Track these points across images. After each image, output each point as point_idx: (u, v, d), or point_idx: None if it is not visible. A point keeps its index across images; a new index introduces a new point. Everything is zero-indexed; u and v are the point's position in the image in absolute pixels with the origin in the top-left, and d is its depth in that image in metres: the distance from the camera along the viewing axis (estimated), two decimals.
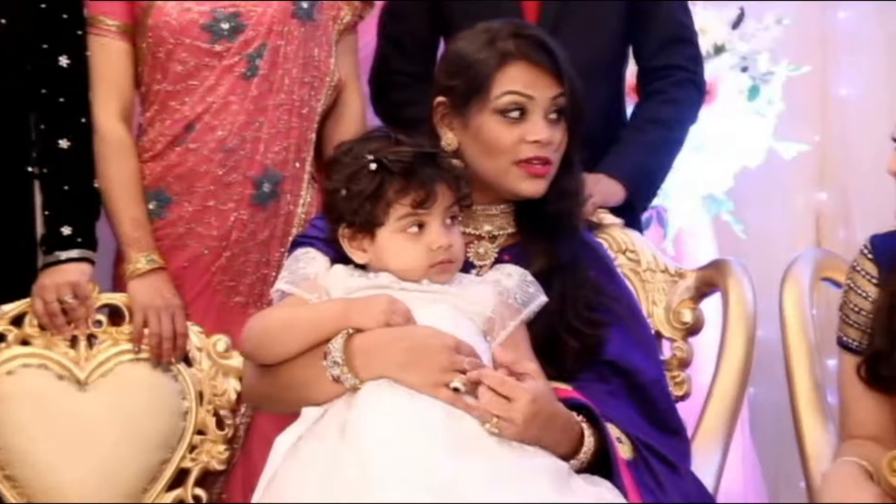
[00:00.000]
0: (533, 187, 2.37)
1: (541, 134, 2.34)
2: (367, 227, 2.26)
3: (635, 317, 2.51)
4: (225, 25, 2.78)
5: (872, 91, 4.28)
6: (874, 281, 2.43)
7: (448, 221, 2.28)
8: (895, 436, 2.39)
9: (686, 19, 3.13)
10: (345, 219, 2.28)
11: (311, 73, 2.86)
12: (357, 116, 2.97)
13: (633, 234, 2.85)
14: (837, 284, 2.63)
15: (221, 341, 2.82)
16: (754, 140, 3.81)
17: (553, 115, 2.36)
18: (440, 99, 2.42)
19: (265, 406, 2.47)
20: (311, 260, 2.32)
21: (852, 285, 2.46)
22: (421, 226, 2.25)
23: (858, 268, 2.46)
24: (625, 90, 3.26)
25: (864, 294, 2.44)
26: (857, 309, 2.45)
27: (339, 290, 2.27)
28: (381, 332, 2.19)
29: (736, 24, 3.80)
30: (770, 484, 3.96)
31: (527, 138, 2.34)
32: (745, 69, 3.78)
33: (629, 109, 3.24)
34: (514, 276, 2.34)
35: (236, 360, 2.79)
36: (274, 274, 2.79)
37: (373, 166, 2.24)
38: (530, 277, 2.34)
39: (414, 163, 2.25)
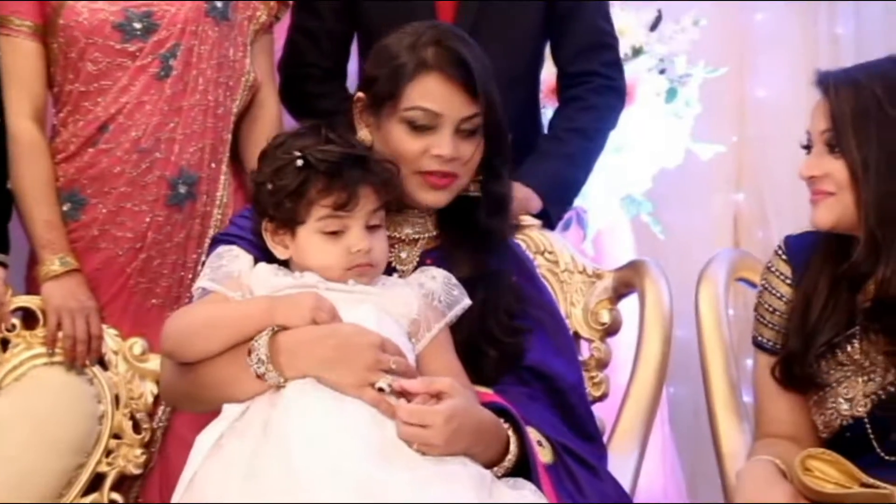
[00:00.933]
0: (432, 198, 2.37)
1: (445, 150, 2.32)
2: (289, 223, 2.25)
3: (556, 322, 2.52)
4: (137, 25, 2.75)
5: (789, 92, 4.32)
6: (788, 282, 2.46)
7: (372, 224, 2.26)
8: (809, 435, 2.41)
9: (607, 25, 3.14)
10: (268, 213, 2.27)
11: (226, 73, 2.84)
12: (273, 117, 2.95)
13: (552, 235, 2.86)
14: (753, 284, 2.65)
15: (138, 344, 2.80)
16: (672, 141, 3.84)
17: (465, 131, 2.34)
18: (360, 94, 2.40)
19: (185, 405, 2.45)
20: (234, 258, 2.30)
21: (767, 286, 2.49)
22: (342, 228, 2.24)
23: (773, 268, 2.49)
24: (540, 94, 3.26)
25: (779, 295, 2.46)
26: (771, 309, 2.47)
27: (263, 288, 2.26)
28: (306, 329, 2.18)
29: (653, 26, 3.82)
30: (689, 482, 3.99)
31: (431, 151, 2.33)
32: (662, 71, 3.81)
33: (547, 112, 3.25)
34: (438, 279, 2.33)
35: (153, 364, 2.76)
36: (191, 276, 2.77)
37: (299, 163, 2.22)
38: (454, 280, 2.34)
39: (340, 164, 2.23)
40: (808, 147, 2.39)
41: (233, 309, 2.24)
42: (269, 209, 2.26)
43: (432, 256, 2.43)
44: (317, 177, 2.22)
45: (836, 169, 2.31)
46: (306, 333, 2.17)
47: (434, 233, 2.45)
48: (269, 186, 2.25)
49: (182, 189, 2.80)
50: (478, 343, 2.35)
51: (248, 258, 2.31)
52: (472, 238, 2.41)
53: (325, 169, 2.23)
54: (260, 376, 2.16)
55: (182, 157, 2.79)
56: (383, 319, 2.24)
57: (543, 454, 2.27)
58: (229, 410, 2.17)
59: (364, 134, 2.38)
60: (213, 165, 2.83)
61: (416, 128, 2.33)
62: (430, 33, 2.37)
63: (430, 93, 2.33)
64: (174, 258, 2.81)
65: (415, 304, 2.29)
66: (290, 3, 3.02)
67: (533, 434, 2.27)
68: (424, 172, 2.34)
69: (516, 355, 2.38)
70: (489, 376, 2.35)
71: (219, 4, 2.82)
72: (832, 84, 2.32)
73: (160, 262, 2.80)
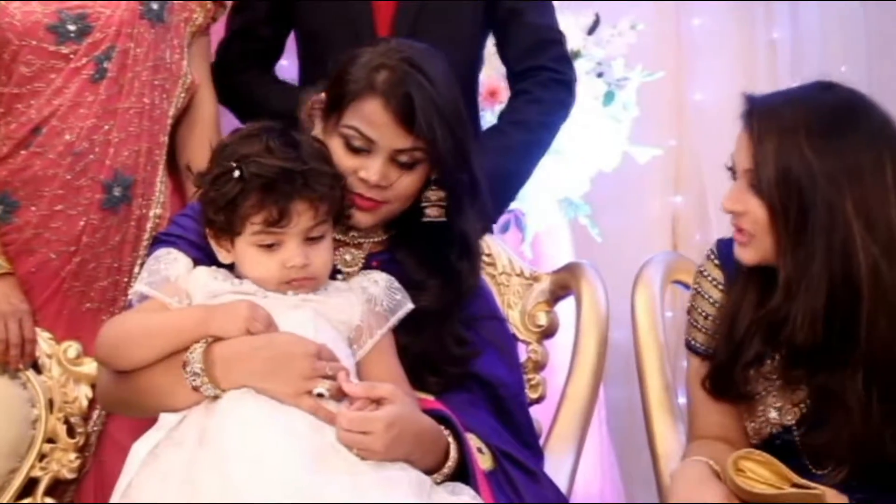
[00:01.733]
0: (357, 217, 2.35)
1: (371, 176, 2.31)
2: (227, 232, 2.24)
3: (501, 328, 2.52)
4: (71, 27, 2.72)
5: (727, 96, 4.31)
6: (720, 287, 2.46)
7: (313, 237, 2.23)
8: (741, 437, 2.42)
9: (552, 21, 3.13)
10: (209, 218, 2.25)
11: (162, 76, 2.82)
12: (210, 119, 2.93)
13: (489, 238, 2.86)
14: (688, 287, 2.64)
15: (72, 348, 2.77)
16: (610, 145, 3.85)
17: (401, 162, 2.32)
18: (321, 96, 2.39)
19: (121, 411, 2.43)
20: (172, 261, 2.28)
21: (699, 290, 2.49)
22: (276, 242, 2.21)
23: (705, 272, 2.49)
24: (478, 95, 3.25)
25: (711, 300, 2.47)
26: (704, 314, 2.47)
27: (201, 294, 2.24)
28: (241, 340, 2.16)
29: (591, 29, 3.84)
30: (627, 484, 4.01)
31: (358, 173, 2.32)
32: (600, 75, 3.83)
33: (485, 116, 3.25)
34: (380, 283, 2.32)
35: (88, 367, 2.75)
36: (126, 280, 2.76)
37: (235, 174, 2.19)
38: (397, 284, 2.33)
39: (275, 179, 2.19)
40: (731, 170, 2.36)
41: (167, 318, 2.22)
42: (209, 215, 2.25)
43: (378, 259, 2.42)
44: (250, 191, 2.19)
45: (757, 208, 2.28)
46: (240, 345, 2.16)
47: (382, 237, 2.44)
48: (209, 194, 2.23)
49: (117, 192, 2.77)
50: (429, 351, 2.35)
51: (187, 261, 2.29)
52: (420, 242, 2.40)
53: (257, 185, 2.19)
54: (196, 388, 2.15)
55: (117, 160, 2.76)
56: (321, 326, 2.23)
57: (483, 461, 2.27)
58: (165, 420, 2.16)
59: (317, 131, 2.37)
60: (149, 168, 2.81)
61: (351, 147, 2.32)
62: (395, 57, 2.33)
63: (368, 117, 2.31)
64: (109, 261, 2.79)
65: (357, 311, 2.28)
66: (228, 4, 3.01)
67: (473, 441, 2.27)
68: (353, 193, 2.32)
69: (465, 364, 2.37)
70: (435, 383, 2.35)
71: (154, 6, 2.80)
72: (756, 124, 2.28)
73: (95, 265, 2.78)
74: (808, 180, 2.22)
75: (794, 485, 2.22)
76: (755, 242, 2.31)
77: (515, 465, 2.31)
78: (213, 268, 2.28)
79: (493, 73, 3.45)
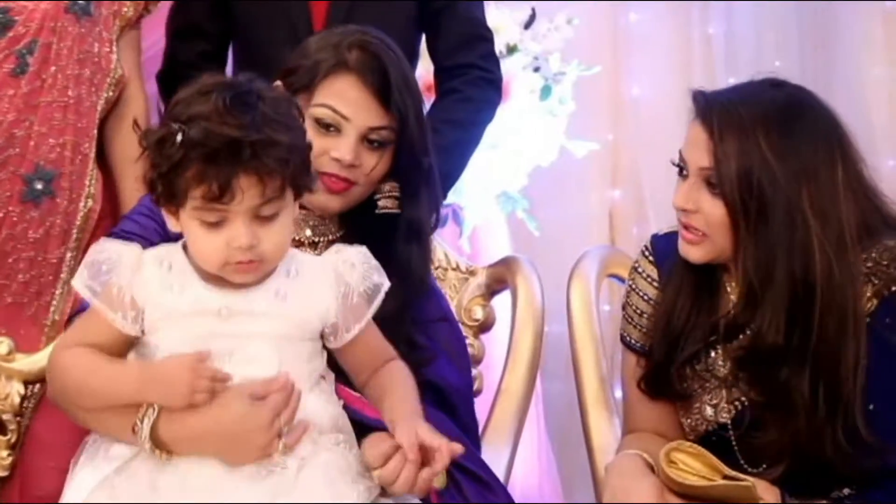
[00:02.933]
0: (325, 200, 2.33)
1: (345, 154, 2.29)
2: (170, 204, 2.05)
3: (454, 333, 2.51)
4: None
5: (664, 90, 4.38)
6: (655, 284, 2.46)
7: (265, 215, 2.02)
8: (676, 431, 2.44)
9: (482, 18, 3.13)
10: (151, 181, 2.05)
11: (89, 69, 2.77)
12: (140, 112, 2.90)
13: None
14: (624, 281, 2.66)
15: (3, 344, 2.72)
16: (547, 139, 3.86)
17: (372, 141, 2.32)
18: (277, 83, 2.36)
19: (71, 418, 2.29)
20: (115, 262, 2.08)
21: (634, 287, 2.50)
22: (220, 219, 2.01)
23: (640, 269, 2.49)
24: None
25: (646, 297, 2.48)
26: (638, 311, 2.48)
27: (155, 310, 2.08)
28: (189, 422, 2.02)
29: (528, 24, 3.85)
30: (565, 477, 4.02)
31: (331, 153, 2.30)
32: (537, 69, 3.83)
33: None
34: (357, 267, 2.15)
35: (19, 363, 2.69)
36: (52, 275, 2.72)
37: (178, 138, 1.98)
38: (373, 261, 2.17)
39: (218, 149, 1.96)
40: (679, 167, 2.34)
41: (105, 379, 2.07)
42: (151, 178, 2.04)
43: None
44: (191, 160, 1.97)
45: (713, 208, 2.27)
46: (190, 427, 2.02)
47: (335, 236, 2.42)
48: (153, 156, 2.02)
49: (38, 185, 2.73)
50: None
51: (131, 257, 2.09)
52: (372, 239, 2.32)
53: (200, 154, 1.97)
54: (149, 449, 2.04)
55: (38, 154, 2.72)
56: (284, 351, 2.09)
57: (436, 481, 2.18)
58: (117, 452, 2.08)
59: None
60: (77, 161, 2.77)
61: (323, 126, 2.31)
62: (358, 36, 2.33)
63: (343, 94, 2.30)
64: (31, 255, 2.75)
65: (332, 307, 2.13)
66: (156, 3, 2.96)
67: None
68: (321, 173, 2.29)
69: (417, 370, 2.30)
70: None
71: (80, 1, 2.77)
72: (716, 122, 2.25)
73: (15, 258, 2.73)
74: (769, 180, 2.22)
75: (726, 476, 2.24)
76: (707, 242, 2.31)
77: (468, 476, 2.28)
78: (167, 265, 2.10)
79: (429, 67, 3.45)
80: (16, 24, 2.70)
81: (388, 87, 2.29)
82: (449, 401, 2.39)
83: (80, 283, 2.09)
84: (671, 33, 4.44)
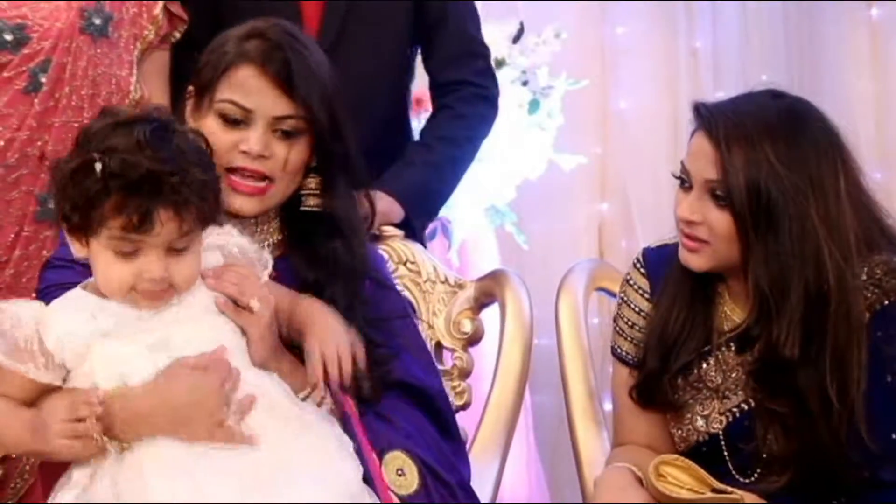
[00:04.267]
0: (240, 203, 2.27)
1: (253, 145, 2.24)
2: (80, 231, 2.06)
3: (412, 329, 2.48)
4: (8, 37, 2.66)
5: (651, 103, 4.40)
6: (646, 296, 2.46)
7: (179, 248, 2.06)
8: (666, 443, 2.44)
9: (477, 33, 3.11)
10: (63, 212, 2.06)
11: (106, 90, 2.74)
12: None
13: (414, 245, 2.86)
14: (612, 294, 2.67)
15: None
16: (535, 153, 3.87)
17: (281, 132, 2.27)
18: (190, 88, 2.34)
19: None
20: (15, 323, 2.06)
21: (625, 299, 2.49)
22: (134, 249, 2.03)
23: (631, 281, 2.49)
24: (410, 102, 3.24)
25: (637, 309, 2.47)
26: (630, 323, 2.48)
27: (74, 340, 2.06)
28: (139, 399, 2.04)
29: (516, 38, 3.86)
30: (554, 490, 4.03)
31: (239, 147, 2.25)
32: (525, 83, 3.85)
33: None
34: (234, 235, 2.21)
35: None
36: None
37: (97, 167, 1.99)
38: (253, 248, 2.22)
39: (139, 182, 1.99)
40: (681, 178, 2.33)
41: (5, 428, 2.08)
42: (64, 209, 2.05)
43: (279, 268, 2.29)
44: (111, 191, 1.99)
45: (719, 219, 2.27)
46: (139, 404, 2.04)
47: (277, 237, 2.37)
48: (66, 186, 2.03)
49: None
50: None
51: (33, 311, 2.08)
52: (308, 239, 2.33)
53: (120, 185, 1.99)
54: (101, 448, 2.04)
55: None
56: (216, 327, 2.13)
57: (402, 485, 2.21)
58: (77, 475, 2.07)
59: (191, 124, 2.28)
60: None
61: (228, 122, 2.26)
62: (263, 27, 2.29)
63: (243, 86, 2.25)
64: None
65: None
66: (185, 20, 2.91)
67: (395, 461, 2.23)
68: (234, 170, 2.25)
69: (384, 377, 2.31)
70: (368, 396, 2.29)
71: (97, 21, 2.72)
72: (723, 135, 2.25)
73: (30, 278, 2.72)
74: (779, 191, 2.22)
75: (714, 490, 2.24)
76: (708, 249, 2.30)
77: (439, 483, 2.27)
78: (72, 306, 2.10)
79: (418, 81, 3.46)
80: (30, 41, 2.68)
81: (289, 75, 2.24)
82: (430, 403, 2.36)
83: None
84: (658, 47, 4.46)
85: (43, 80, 2.69)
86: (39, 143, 2.69)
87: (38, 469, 2.65)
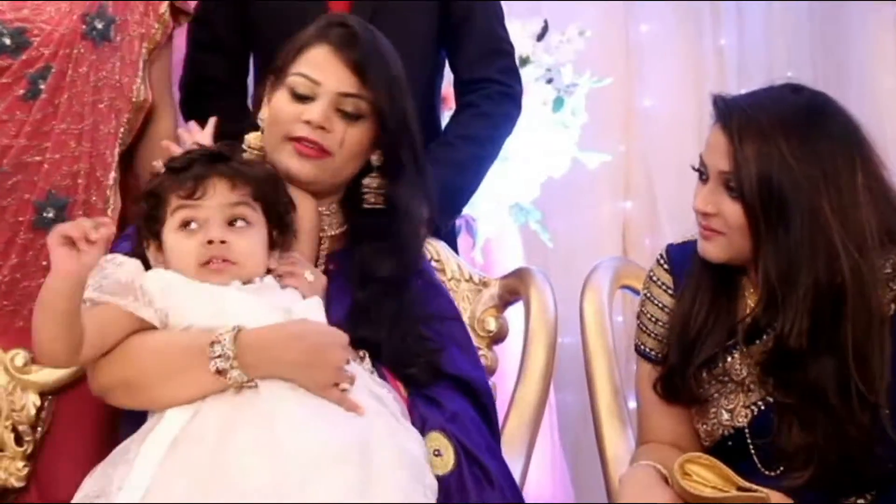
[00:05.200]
0: (298, 165, 2.35)
1: (315, 115, 2.33)
2: (153, 227, 2.24)
3: (463, 331, 2.51)
4: (7, 41, 2.65)
5: (675, 101, 4.40)
6: (670, 292, 2.46)
7: (237, 223, 2.22)
8: (691, 441, 2.43)
9: (502, 31, 3.12)
10: (143, 230, 2.25)
11: (108, 95, 2.71)
12: (168, 135, 2.87)
13: (438, 243, 2.86)
14: (637, 292, 2.67)
15: (20, 356, 2.72)
16: (559, 150, 3.88)
17: (345, 110, 2.35)
18: (270, 74, 2.43)
19: (117, 396, 2.27)
20: (118, 265, 2.20)
21: (649, 295, 2.50)
22: (194, 218, 2.21)
23: (655, 278, 2.49)
24: (440, 101, 3.24)
25: (660, 305, 2.47)
26: (653, 319, 2.48)
27: (158, 289, 2.18)
28: (274, 329, 2.14)
29: (540, 36, 3.86)
30: (578, 488, 4.02)
31: (302, 117, 2.34)
32: (549, 81, 3.85)
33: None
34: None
35: (35, 375, 2.70)
36: None
37: (161, 169, 2.26)
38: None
39: (192, 160, 2.24)
40: (699, 171, 2.35)
41: (168, 346, 2.17)
42: (141, 225, 2.26)
43: (336, 261, 2.40)
44: (169, 176, 2.24)
45: (733, 211, 2.28)
46: (272, 334, 2.13)
47: (337, 231, 2.44)
48: (142, 208, 2.27)
49: (49, 213, 2.68)
50: (400, 354, 2.33)
51: (135, 263, 2.22)
52: (375, 241, 2.39)
53: (175, 166, 2.24)
54: (219, 372, 2.10)
55: (50, 181, 2.66)
56: (319, 307, 2.23)
57: (438, 464, 2.24)
58: (175, 416, 2.11)
59: (263, 113, 2.41)
60: (91, 190, 2.73)
61: (296, 95, 2.35)
62: (343, 17, 2.42)
63: (315, 62, 2.35)
64: (42, 281, 2.71)
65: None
66: (189, 13, 2.93)
67: (433, 442, 2.26)
68: (293, 138, 2.34)
69: (433, 364, 2.35)
70: (417, 378, 2.34)
71: (98, 25, 2.69)
72: (736, 127, 2.27)
73: (26, 284, 2.71)
74: (790, 184, 2.23)
75: (740, 488, 2.24)
76: (723, 240, 2.31)
77: (476, 466, 2.29)
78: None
79: (447, 79, 3.46)
80: (30, 47, 2.64)
81: (361, 58, 2.34)
82: (477, 397, 2.39)
83: (89, 291, 2.17)
84: (683, 44, 4.45)
85: (42, 86, 2.65)
86: (38, 151, 2.66)
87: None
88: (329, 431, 2.06)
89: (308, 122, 2.33)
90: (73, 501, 2.17)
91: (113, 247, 2.38)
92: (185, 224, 2.21)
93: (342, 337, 2.18)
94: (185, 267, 2.20)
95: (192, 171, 2.22)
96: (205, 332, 2.14)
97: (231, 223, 2.22)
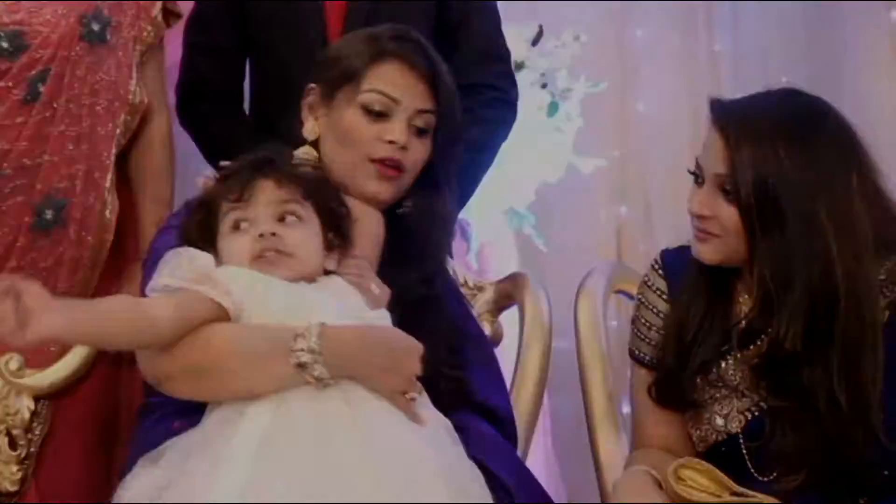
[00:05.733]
0: (378, 188, 2.34)
1: (398, 136, 2.31)
2: (208, 237, 2.24)
3: (491, 353, 2.52)
4: (5, 44, 2.65)
5: (670, 106, 4.40)
6: (664, 297, 2.47)
7: (287, 218, 2.21)
8: (685, 446, 2.44)
9: (499, 36, 3.12)
10: (194, 243, 2.24)
11: (105, 98, 2.73)
12: (161, 137, 2.86)
13: None
14: (631, 297, 2.67)
15: (14, 360, 2.73)
16: (554, 155, 3.88)
17: (418, 126, 2.34)
18: (312, 85, 2.39)
19: (177, 386, 2.18)
20: (192, 257, 2.20)
21: (643, 300, 2.50)
22: (245, 218, 2.20)
23: (649, 283, 2.50)
24: None
25: (655, 310, 2.48)
26: (648, 324, 2.49)
27: (236, 283, 2.16)
28: (357, 330, 2.12)
29: (535, 41, 3.87)
30: (572, 493, 4.02)
31: (384, 136, 2.31)
32: (544, 86, 3.85)
33: None
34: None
35: (30, 379, 2.71)
36: None
37: (211, 182, 2.27)
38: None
39: (240, 167, 2.25)
40: (694, 174, 2.35)
41: (249, 336, 2.14)
42: (196, 237, 2.25)
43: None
44: (220, 184, 2.25)
45: (728, 214, 2.28)
46: (358, 335, 2.12)
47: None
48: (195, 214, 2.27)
49: (48, 215, 2.69)
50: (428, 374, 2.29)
51: (207, 254, 2.22)
52: (410, 254, 2.38)
53: (225, 174, 2.26)
54: (301, 366, 2.07)
55: (49, 184, 2.67)
56: (387, 320, 2.23)
57: None
58: (259, 413, 2.06)
59: (310, 126, 2.38)
60: (89, 191, 2.74)
61: (371, 113, 2.33)
62: (389, 31, 2.39)
63: (391, 78, 2.33)
64: (41, 284, 2.70)
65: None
66: (180, 15, 2.92)
67: None
68: (376, 160, 2.32)
69: (460, 388, 2.33)
70: (443, 404, 2.28)
71: (95, 27, 2.70)
72: (732, 130, 2.27)
73: None
74: (785, 188, 2.23)
75: (733, 493, 2.24)
76: (718, 242, 2.32)
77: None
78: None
79: None
80: (29, 49, 2.65)
81: (434, 73, 2.34)
82: (503, 426, 2.38)
83: (164, 279, 2.17)
84: (678, 50, 4.45)
85: (41, 89, 2.66)
86: (37, 153, 2.66)
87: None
88: (422, 445, 2.06)
89: (392, 143, 2.31)
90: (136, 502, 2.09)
91: (158, 242, 2.38)
92: (237, 226, 2.20)
93: (419, 347, 2.14)
94: (240, 265, 2.18)
95: (239, 176, 2.22)
96: (284, 325, 2.11)
97: (281, 219, 2.21)
